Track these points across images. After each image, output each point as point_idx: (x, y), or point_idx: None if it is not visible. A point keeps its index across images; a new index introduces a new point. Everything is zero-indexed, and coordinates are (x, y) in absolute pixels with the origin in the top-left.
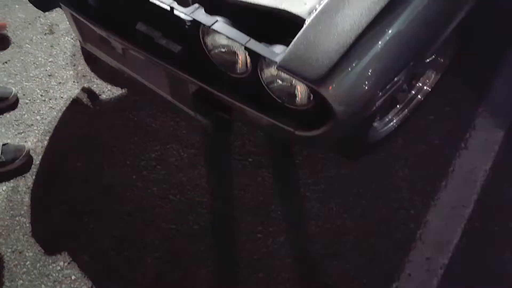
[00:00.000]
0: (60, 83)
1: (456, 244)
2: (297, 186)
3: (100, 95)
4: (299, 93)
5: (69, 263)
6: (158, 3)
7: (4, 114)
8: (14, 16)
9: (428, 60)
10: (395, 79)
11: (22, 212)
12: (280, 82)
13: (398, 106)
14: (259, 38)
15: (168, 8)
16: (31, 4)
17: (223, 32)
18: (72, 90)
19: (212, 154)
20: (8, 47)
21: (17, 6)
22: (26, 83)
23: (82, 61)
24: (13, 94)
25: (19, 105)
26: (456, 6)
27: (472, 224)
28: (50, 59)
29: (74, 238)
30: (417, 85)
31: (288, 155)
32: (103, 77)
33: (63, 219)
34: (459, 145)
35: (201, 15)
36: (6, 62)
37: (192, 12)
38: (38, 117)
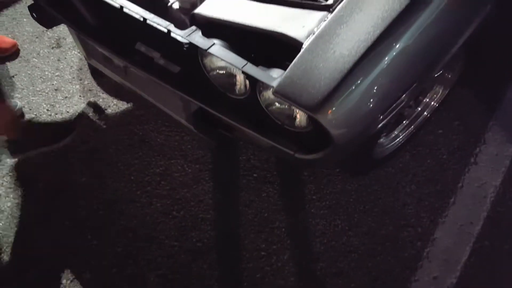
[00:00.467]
0: (66, 97)
1: (464, 263)
2: (302, 202)
3: (106, 109)
4: (298, 115)
5: (71, 281)
6: (155, 25)
7: None
8: (22, 29)
9: (436, 75)
10: (397, 101)
11: (26, 228)
12: (278, 104)
13: (404, 122)
14: (257, 61)
15: (165, 30)
16: None
17: (219, 56)
18: (78, 105)
19: (216, 169)
20: (15, 61)
21: (25, 19)
22: (33, 98)
23: (89, 75)
24: (18, 107)
25: (25, 119)
26: (461, 25)
27: (482, 242)
28: (57, 73)
29: (77, 254)
30: (424, 100)
31: (293, 170)
32: (109, 92)
33: (66, 235)
34: (468, 160)
35: (197, 38)
36: (13, 76)
37: (189, 35)
38: None
